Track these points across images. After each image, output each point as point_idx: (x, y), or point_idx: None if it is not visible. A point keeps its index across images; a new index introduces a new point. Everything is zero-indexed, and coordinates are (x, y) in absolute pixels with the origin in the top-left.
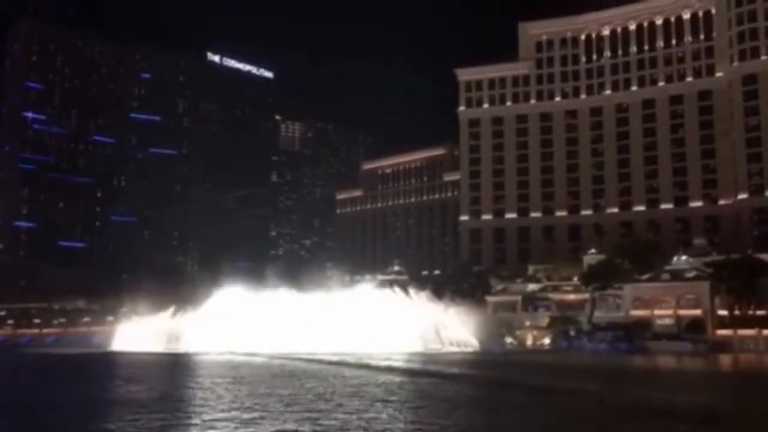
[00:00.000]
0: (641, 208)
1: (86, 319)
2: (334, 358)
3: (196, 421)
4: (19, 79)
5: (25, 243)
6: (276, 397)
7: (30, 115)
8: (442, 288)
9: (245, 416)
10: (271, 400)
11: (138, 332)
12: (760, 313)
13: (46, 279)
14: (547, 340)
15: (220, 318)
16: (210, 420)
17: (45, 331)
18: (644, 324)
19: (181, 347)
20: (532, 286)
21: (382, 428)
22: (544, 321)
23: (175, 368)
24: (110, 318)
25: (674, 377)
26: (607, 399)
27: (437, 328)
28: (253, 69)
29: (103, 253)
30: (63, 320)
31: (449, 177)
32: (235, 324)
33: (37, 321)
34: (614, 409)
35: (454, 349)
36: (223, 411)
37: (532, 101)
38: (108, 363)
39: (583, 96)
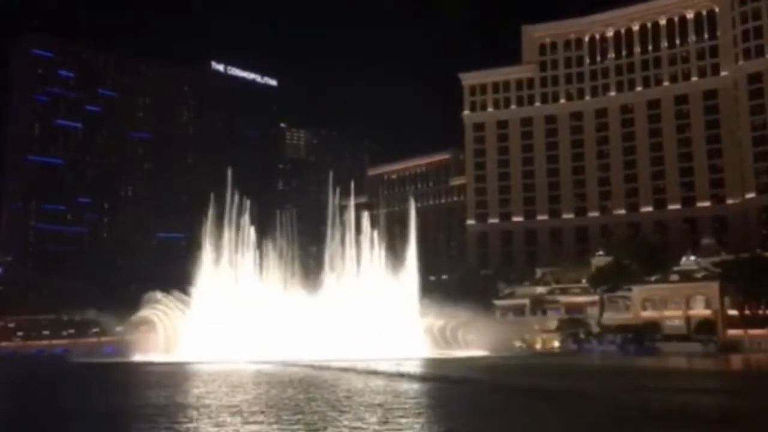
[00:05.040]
0: (648, 209)
1: (95, 329)
2: (346, 365)
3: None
4: (24, 91)
5: (33, 255)
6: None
7: (36, 127)
8: (450, 293)
9: None
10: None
11: (153, 341)
12: None
13: (54, 290)
14: (556, 343)
15: (223, 324)
16: None
17: (54, 342)
18: (654, 325)
19: (185, 356)
20: (540, 289)
21: None
22: (553, 324)
23: (187, 379)
24: (119, 328)
25: (686, 378)
26: (620, 401)
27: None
28: (258, 77)
29: (112, 264)
30: (72, 331)
31: (455, 181)
32: (239, 330)
33: (46, 332)
34: (628, 411)
35: (463, 353)
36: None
37: (537, 104)
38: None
39: (587, 98)
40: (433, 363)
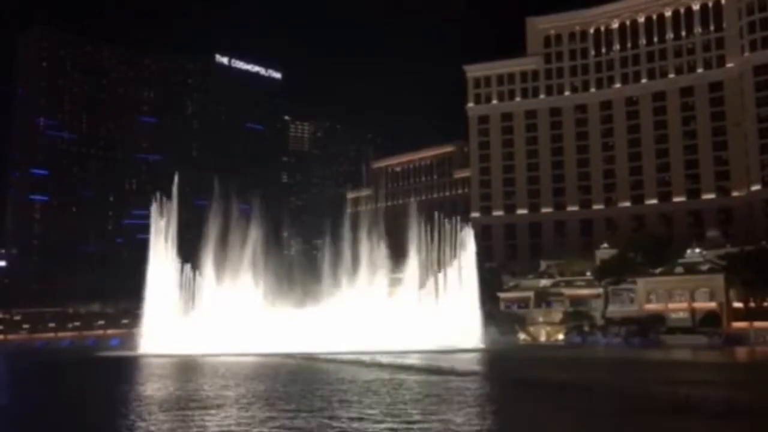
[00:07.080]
0: (653, 201)
1: (100, 322)
2: (349, 358)
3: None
4: (29, 86)
5: (38, 248)
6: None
7: (41, 120)
8: None
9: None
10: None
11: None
12: None
13: (60, 283)
14: (560, 336)
15: (226, 318)
16: None
17: (60, 334)
18: (658, 318)
19: (191, 349)
20: (544, 282)
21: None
22: (558, 316)
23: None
24: (124, 321)
25: (691, 371)
26: (625, 394)
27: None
28: (261, 70)
29: (117, 257)
30: (77, 324)
31: (459, 174)
32: (243, 323)
33: (51, 325)
34: (634, 403)
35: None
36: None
37: (542, 96)
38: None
39: (592, 90)
40: (435, 356)
